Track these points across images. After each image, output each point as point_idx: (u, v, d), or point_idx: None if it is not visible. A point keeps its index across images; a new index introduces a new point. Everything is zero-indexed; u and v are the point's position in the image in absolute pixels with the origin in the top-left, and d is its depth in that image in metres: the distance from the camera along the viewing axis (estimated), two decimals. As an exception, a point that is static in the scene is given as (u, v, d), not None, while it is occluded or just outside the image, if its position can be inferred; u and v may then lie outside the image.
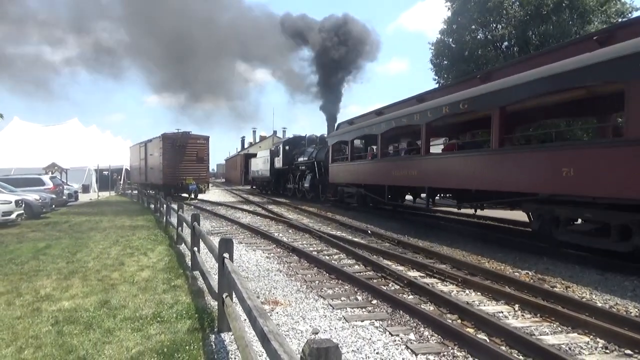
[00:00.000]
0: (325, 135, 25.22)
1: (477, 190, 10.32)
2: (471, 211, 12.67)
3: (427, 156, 12.30)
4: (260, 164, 35.62)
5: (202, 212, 18.31)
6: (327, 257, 8.64)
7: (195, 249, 7.37)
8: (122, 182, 39.82)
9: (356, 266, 8.04)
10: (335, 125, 22.65)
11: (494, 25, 25.07)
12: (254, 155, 36.99)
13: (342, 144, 19.46)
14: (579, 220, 8.34)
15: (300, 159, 26.24)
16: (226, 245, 4.61)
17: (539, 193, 8.42)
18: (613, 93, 8.25)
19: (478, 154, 10.25)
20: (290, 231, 12.53)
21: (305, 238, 11.25)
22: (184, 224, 9.61)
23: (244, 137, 66.41)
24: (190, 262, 7.67)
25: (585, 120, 13.88)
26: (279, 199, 25.52)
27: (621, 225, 7.25)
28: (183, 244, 9.66)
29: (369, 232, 11.65)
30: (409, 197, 15.79)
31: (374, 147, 16.64)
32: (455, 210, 13.23)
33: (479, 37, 25.96)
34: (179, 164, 26.56)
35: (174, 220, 11.96)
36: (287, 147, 29.19)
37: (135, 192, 29.68)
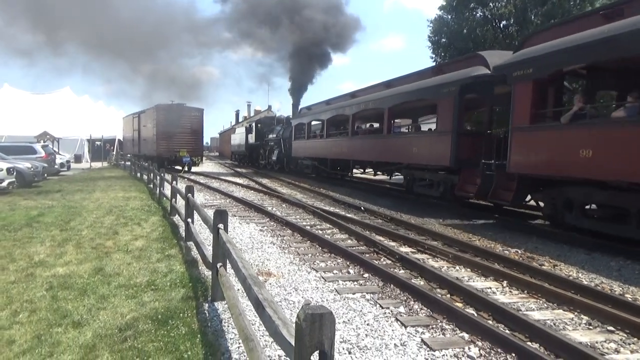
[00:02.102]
0: (290, 117, 28.63)
1: (377, 161, 16.07)
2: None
3: (352, 137, 17.37)
4: (238, 140, 39.56)
5: (196, 184, 18.30)
6: (320, 232, 8.69)
7: (189, 220, 7.37)
8: (114, 152, 39.62)
9: (349, 241, 8.11)
10: (299, 109, 26.89)
11: (494, 3, 24.90)
12: (247, 128, 39.15)
13: (302, 125, 23.43)
14: None
15: (270, 136, 29.87)
16: (221, 216, 4.63)
17: (404, 162, 13.83)
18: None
19: (376, 137, 15.78)
20: (283, 205, 12.58)
21: (298, 213, 11.30)
22: (178, 195, 9.62)
23: (238, 110, 66.01)
24: (184, 233, 7.69)
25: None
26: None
27: None
28: (177, 215, 9.68)
29: (362, 208, 11.77)
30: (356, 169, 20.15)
31: (330, 128, 20.68)
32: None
33: (478, 15, 25.72)
34: (172, 136, 26.49)
35: (167, 192, 11.97)
36: (259, 126, 33.12)
37: (128, 163, 29.54)
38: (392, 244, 7.88)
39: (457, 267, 6.49)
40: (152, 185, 16.21)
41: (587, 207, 8.48)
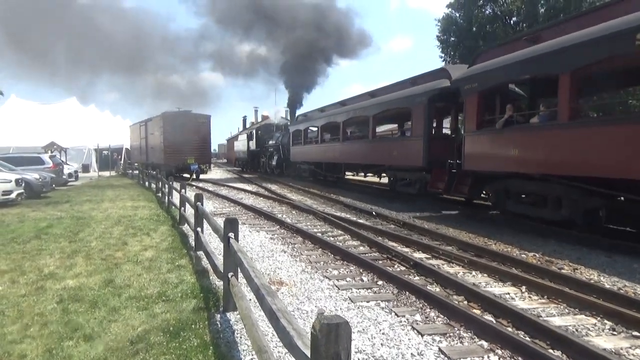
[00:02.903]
0: (288, 124, 30.39)
1: (365, 164, 17.71)
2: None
3: (343, 142, 19.07)
4: (240, 146, 42.00)
5: (204, 192, 18.45)
6: (331, 239, 8.70)
7: (199, 229, 7.41)
8: (122, 161, 39.90)
9: (361, 247, 8.09)
10: (296, 116, 28.72)
11: (503, -1, 24.94)
12: (248, 135, 40.92)
13: (299, 131, 25.20)
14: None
15: (270, 142, 31.83)
16: (231, 225, 4.64)
17: (386, 164, 15.68)
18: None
19: (363, 142, 17.51)
20: (293, 212, 12.63)
21: (309, 219, 11.33)
22: (187, 204, 9.66)
23: (245, 116, 66.17)
24: (193, 243, 7.72)
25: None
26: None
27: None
28: (186, 225, 9.72)
29: (374, 213, 11.85)
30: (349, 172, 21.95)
31: (323, 134, 22.40)
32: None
33: (487, 12, 25.72)
34: (180, 144, 26.67)
35: (176, 200, 12.02)
36: (259, 132, 35.18)
37: (136, 172, 29.77)
38: (406, 249, 7.86)
39: (474, 273, 6.44)
40: (160, 194, 16.30)
41: (523, 196, 10.12)
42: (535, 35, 9.22)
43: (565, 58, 8.14)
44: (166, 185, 14.43)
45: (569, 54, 8.08)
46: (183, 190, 10.40)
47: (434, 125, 16.80)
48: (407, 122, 18.01)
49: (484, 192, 12.21)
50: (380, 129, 22.64)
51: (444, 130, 16.55)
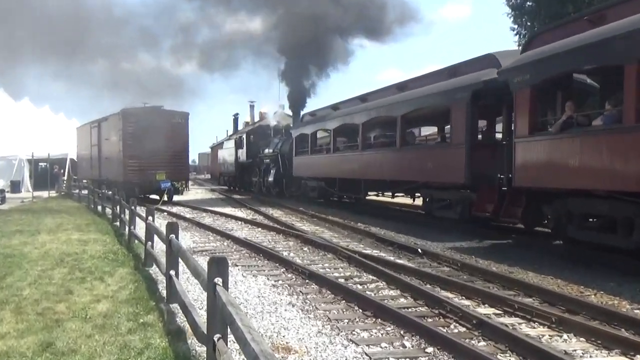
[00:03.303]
0: (290, 126, 31.86)
1: (391, 180, 18.68)
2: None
3: (363, 151, 20.24)
4: (226, 156, 43.44)
5: (180, 220, 18.81)
6: (359, 286, 8.75)
7: (172, 272, 7.39)
8: (65, 177, 40.24)
9: (402, 299, 8.11)
10: (300, 116, 30.45)
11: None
12: (237, 142, 41.61)
13: (305, 136, 26.67)
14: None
15: (266, 151, 33.03)
16: (218, 266, 4.60)
17: (419, 181, 16.72)
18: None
19: (389, 151, 18.47)
20: (305, 249, 12.80)
21: (327, 259, 11.46)
22: (156, 237, 9.77)
23: (237, 115, 65.92)
24: (165, 292, 7.77)
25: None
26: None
27: None
28: (154, 266, 9.79)
29: (419, 250, 11.90)
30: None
31: (337, 139, 23.74)
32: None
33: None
34: (146, 153, 26.93)
35: (140, 232, 12.15)
36: (251, 137, 36.40)
37: (85, 192, 30.09)
38: (466, 302, 7.87)
39: (565, 336, 6.38)
40: (118, 223, 16.55)
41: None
42: (599, 15, 9.71)
43: (632, 44, 8.50)
44: (127, 211, 14.61)
45: (635, 39, 8.48)
46: (150, 218, 10.44)
47: (484, 128, 17.26)
48: (447, 125, 18.65)
49: (541, 215, 12.41)
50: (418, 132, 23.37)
51: (491, 135, 17.00)
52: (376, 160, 19.38)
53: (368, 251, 12.18)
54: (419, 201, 19.84)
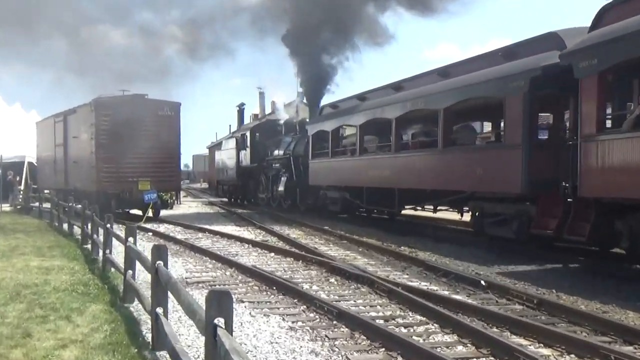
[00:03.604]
0: (306, 121, 32.71)
1: (432, 190, 19.13)
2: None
3: (396, 153, 20.71)
4: (225, 160, 44.03)
5: (169, 242, 18.82)
6: (403, 330, 8.63)
7: (160, 310, 7.36)
8: (22, 187, 40.54)
9: (460, 347, 7.98)
10: (319, 108, 31.29)
11: None
12: (239, 141, 41.86)
13: (324, 134, 27.25)
14: None
15: (276, 153, 33.86)
16: (220, 303, 4.51)
17: (466, 190, 17.08)
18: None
19: (429, 153, 18.83)
20: (332, 280, 12.67)
21: (361, 294, 11.31)
22: (138, 264, 9.72)
23: (242, 105, 65.33)
24: (150, 335, 7.73)
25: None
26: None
27: None
28: (136, 302, 9.75)
29: (483, 282, 11.79)
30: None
31: (364, 138, 24.18)
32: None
33: None
34: (126, 155, 27.07)
35: (119, 257, 12.15)
36: (257, 135, 37.30)
37: (47, 205, 30.16)
38: (545, 351, 7.69)
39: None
40: (90, 246, 16.62)
41: None
42: None
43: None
44: (100, 231, 14.65)
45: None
46: (131, 240, 10.42)
47: (547, 124, 17.56)
48: (501, 120, 18.93)
49: (614, 232, 12.59)
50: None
51: (556, 133, 17.29)
52: (413, 164, 19.66)
53: (414, 283, 12.10)
54: (468, 216, 19.84)
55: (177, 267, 14.22)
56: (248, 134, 37.91)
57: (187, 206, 38.23)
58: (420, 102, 19.00)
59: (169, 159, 28.47)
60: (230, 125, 70.55)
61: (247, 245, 18.60)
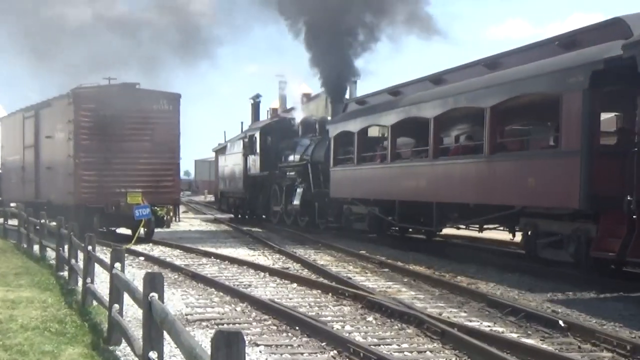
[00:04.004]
0: (328, 120, 33.51)
1: (476, 204, 19.56)
2: None
3: (434, 160, 21.08)
4: (230, 167, 45.43)
5: (167, 269, 18.91)
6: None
7: (154, 355, 7.21)
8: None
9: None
10: (343, 104, 31.82)
11: None
12: (246, 145, 42.16)
13: (348, 135, 27.95)
14: None
15: (290, 159, 34.83)
16: (229, 346, 4.34)
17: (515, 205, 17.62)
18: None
19: (473, 161, 19.29)
20: (370, 319, 12.62)
21: (405, 336, 11.25)
22: (126, 296, 9.62)
23: (258, 97, 64.36)
24: (142, 388, 7.71)
25: None
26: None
27: None
28: (123, 344, 9.67)
29: (562, 323, 11.56)
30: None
31: (396, 141, 24.80)
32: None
33: None
34: (112, 160, 27.13)
35: (102, 288, 12.22)
36: (268, 138, 37.97)
37: (14, 222, 30.08)
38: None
39: None
40: (66, 274, 16.61)
41: None
42: None
43: None
44: (80, 254, 14.64)
45: None
46: (118, 266, 10.30)
47: (619, 125, 18.14)
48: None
49: None
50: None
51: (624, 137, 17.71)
52: (455, 173, 20.21)
53: (474, 323, 11.98)
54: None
55: (176, 300, 14.19)
56: (257, 135, 38.27)
57: (188, 224, 38.39)
58: (463, 99, 19.44)
59: (166, 165, 28.44)
60: (242, 123, 69.60)
61: (262, 273, 18.45)
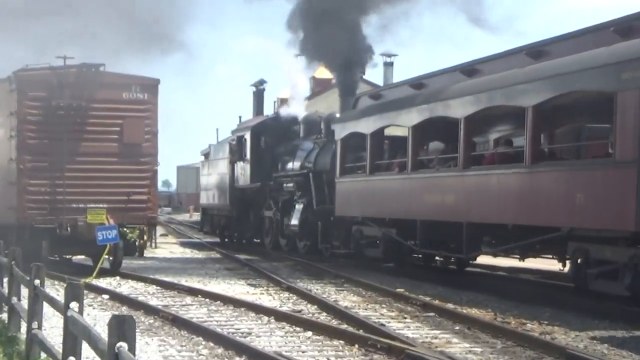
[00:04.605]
0: (336, 117, 33.62)
1: (514, 225, 20.53)
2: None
3: (465, 170, 21.85)
4: (214, 177, 46.15)
5: (140, 311, 18.70)
6: None
7: None
8: None
9: None
10: (354, 99, 32.87)
11: None
12: (233, 149, 42.90)
13: (359, 137, 28.67)
14: None
15: (289, 167, 35.65)
16: None
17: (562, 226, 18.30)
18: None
19: (512, 172, 20.54)
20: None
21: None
22: (86, 346, 8.84)
23: (262, 83, 62.93)
24: None
25: None
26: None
27: None
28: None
29: None
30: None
31: (418, 145, 25.59)
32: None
33: None
34: (67, 166, 26.62)
35: (53, 335, 12.68)
36: (262, 141, 39.17)
37: None
38: None
39: None
40: (6, 315, 16.40)
41: None
42: None
43: None
44: (24, 291, 14.62)
45: None
46: (75, 306, 9.55)
47: None
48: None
49: None
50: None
51: None
52: (489, 187, 20.68)
53: None
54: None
55: (151, 352, 13.83)
56: (248, 136, 38.59)
57: (168, 251, 38.81)
58: (500, 96, 19.83)
59: (139, 173, 28.17)
60: (240, 117, 68.33)
61: (266, 318, 17.91)
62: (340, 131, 29.44)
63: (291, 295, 22.53)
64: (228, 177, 40.56)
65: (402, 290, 22.32)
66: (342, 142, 29.12)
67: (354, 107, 30.48)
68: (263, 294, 22.94)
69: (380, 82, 64.56)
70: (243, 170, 38.79)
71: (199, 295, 22.00)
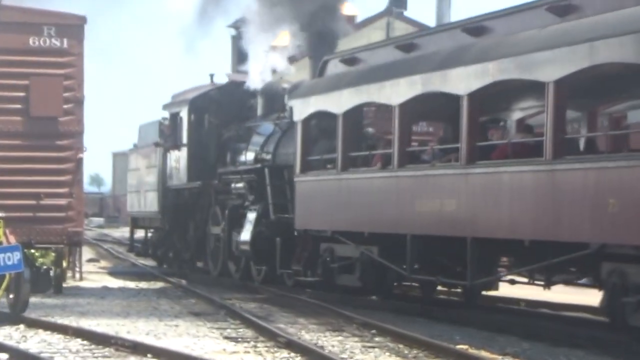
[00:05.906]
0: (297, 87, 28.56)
1: (532, 240, 18.09)
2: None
3: (468, 166, 19.55)
4: (140, 173, 40.97)
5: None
6: None
7: None
8: None
9: None
10: (321, 62, 27.67)
11: None
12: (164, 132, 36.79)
13: (328, 119, 24.64)
14: None
15: (242, 158, 30.25)
16: None
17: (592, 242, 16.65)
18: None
19: (530, 170, 18.51)
20: None
21: None
22: None
23: (238, 25, 62.38)
24: None
25: None
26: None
27: None
28: None
29: None
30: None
31: (404, 130, 22.33)
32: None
33: None
34: None
35: None
36: (205, 120, 33.08)
37: None
38: None
39: None
40: None
41: None
42: None
43: None
44: None
45: None
46: None
47: None
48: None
49: None
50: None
51: None
52: (501, 189, 17.83)
53: None
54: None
55: None
56: (184, 114, 32.75)
57: (99, 283, 34.15)
58: (512, 67, 17.09)
59: (54, 164, 24.13)
60: (212, 76, 66.07)
61: None
62: (302, 109, 25.48)
63: (292, 354, 17.25)
64: (158, 173, 35.09)
65: (465, 347, 17.65)
66: (303, 125, 25.18)
67: (320, 75, 26.18)
68: (248, 352, 17.75)
69: (431, 21, 55.50)
70: (178, 163, 33.42)
71: (149, 355, 16.97)
